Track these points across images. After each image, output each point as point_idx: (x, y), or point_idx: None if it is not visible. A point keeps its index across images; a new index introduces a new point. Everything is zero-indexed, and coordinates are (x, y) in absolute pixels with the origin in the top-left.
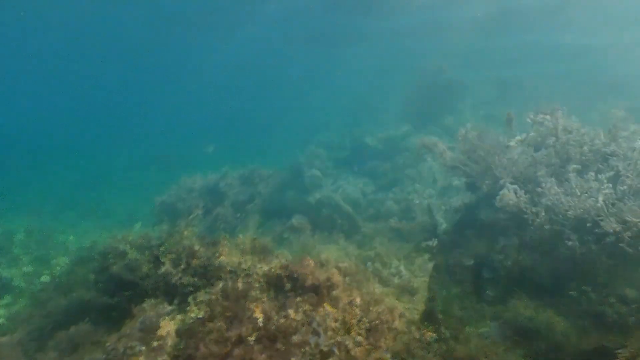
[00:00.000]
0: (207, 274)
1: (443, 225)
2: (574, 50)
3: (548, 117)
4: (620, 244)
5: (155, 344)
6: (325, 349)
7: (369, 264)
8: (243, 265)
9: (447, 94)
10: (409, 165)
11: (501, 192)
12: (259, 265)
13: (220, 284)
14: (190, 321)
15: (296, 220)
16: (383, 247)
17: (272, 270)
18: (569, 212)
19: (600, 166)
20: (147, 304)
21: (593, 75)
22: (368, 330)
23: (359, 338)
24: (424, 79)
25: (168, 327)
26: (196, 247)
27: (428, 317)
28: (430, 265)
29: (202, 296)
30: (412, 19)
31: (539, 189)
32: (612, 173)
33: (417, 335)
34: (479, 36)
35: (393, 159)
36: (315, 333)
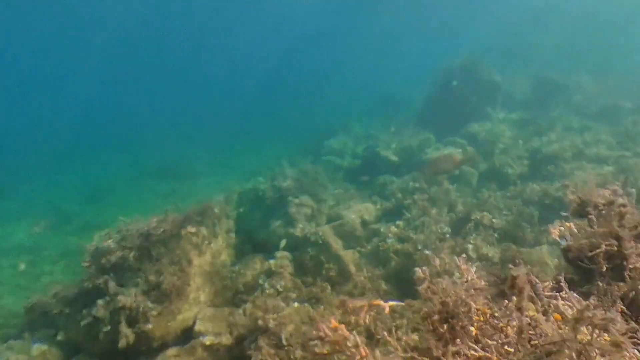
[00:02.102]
0: None
1: None
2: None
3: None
4: None
5: None
6: None
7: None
8: None
9: (475, 95)
10: (419, 189)
11: None
12: None
13: None
14: None
15: (275, 262)
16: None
17: None
18: None
19: None
20: None
21: None
22: None
23: None
24: (447, 78)
25: None
26: None
27: None
28: None
29: None
30: (437, 12)
31: None
32: None
33: None
34: (517, 30)
35: (405, 177)
36: None
